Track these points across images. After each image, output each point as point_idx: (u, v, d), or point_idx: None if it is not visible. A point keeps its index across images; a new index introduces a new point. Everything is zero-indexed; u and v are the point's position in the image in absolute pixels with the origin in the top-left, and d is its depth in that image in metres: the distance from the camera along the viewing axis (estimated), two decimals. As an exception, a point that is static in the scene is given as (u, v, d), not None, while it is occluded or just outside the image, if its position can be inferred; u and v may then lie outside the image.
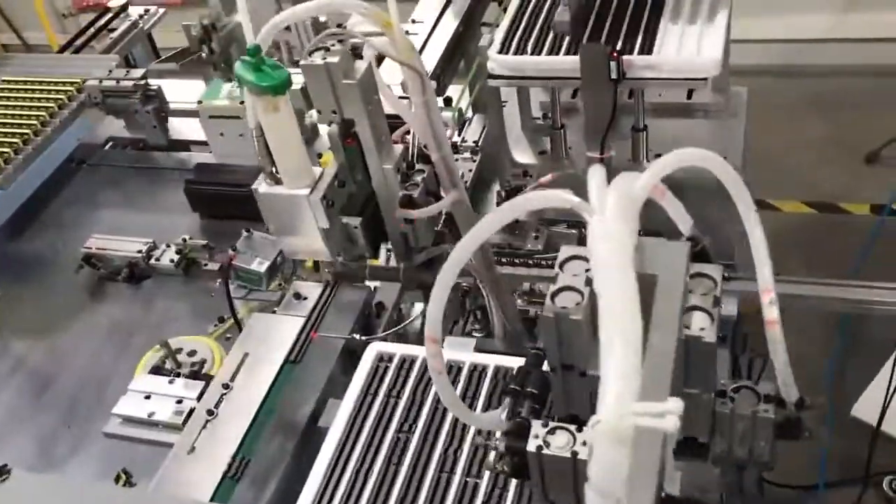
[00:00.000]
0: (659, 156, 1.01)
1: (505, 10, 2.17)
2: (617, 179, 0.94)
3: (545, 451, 1.05)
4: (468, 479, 1.36)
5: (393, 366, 1.54)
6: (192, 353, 1.98)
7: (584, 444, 1.04)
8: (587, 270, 1.07)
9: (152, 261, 2.32)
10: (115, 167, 2.76)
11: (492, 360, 1.50)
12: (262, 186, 1.58)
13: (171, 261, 2.30)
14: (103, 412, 2.00)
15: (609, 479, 0.66)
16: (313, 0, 1.45)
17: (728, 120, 2.40)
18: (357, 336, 1.63)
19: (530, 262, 1.97)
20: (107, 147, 2.85)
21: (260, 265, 1.73)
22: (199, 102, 2.53)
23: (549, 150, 2.29)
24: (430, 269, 1.70)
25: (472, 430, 1.41)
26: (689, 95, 2.40)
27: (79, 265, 2.35)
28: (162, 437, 1.58)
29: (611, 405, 0.67)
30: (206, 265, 2.32)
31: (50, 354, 2.19)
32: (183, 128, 2.79)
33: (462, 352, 1.53)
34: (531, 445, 1.05)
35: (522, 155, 2.29)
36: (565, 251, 1.10)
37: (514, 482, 1.34)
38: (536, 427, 1.07)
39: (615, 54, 1.92)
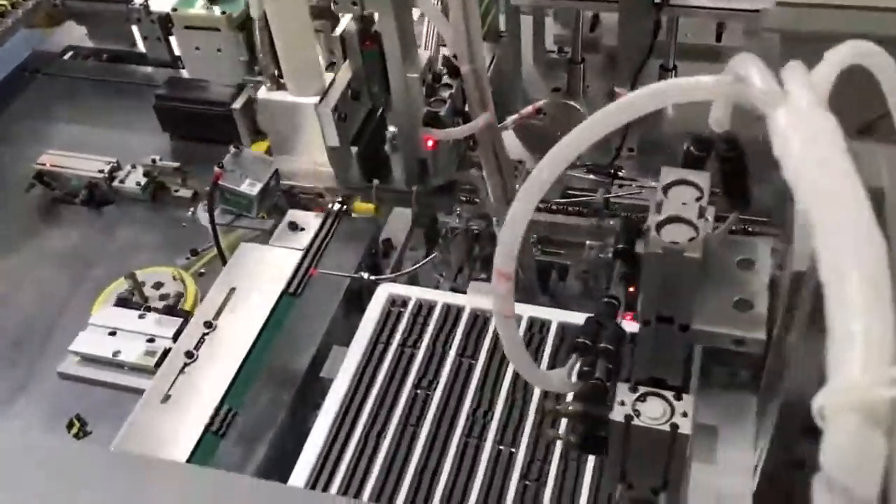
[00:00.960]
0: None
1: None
2: (783, 71, 0.70)
3: (635, 421, 0.83)
4: (501, 447, 1.13)
5: (408, 311, 1.30)
6: (158, 286, 1.72)
7: (685, 415, 0.83)
8: (698, 199, 0.85)
9: (115, 183, 2.04)
10: (75, 78, 2.44)
11: (554, 315, 1.26)
12: (261, 91, 1.32)
13: (138, 184, 2.03)
14: (55, 349, 1.73)
15: (856, 472, 0.44)
16: None
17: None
18: (365, 275, 1.38)
19: (553, 207, 1.75)
20: (65, 57, 2.54)
21: (251, 187, 1.47)
22: (174, 10, 2.23)
23: (566, 86, 2.07)
24: (449, 194, 1.46)
25: (503, 391, 1.19)
26: (719, 38, 2.20)
27: (30, 183, 2.05)
28: (128, 380, 1.33)
29: (858, 370, 0.45)
30: (176, 191, 2.04)
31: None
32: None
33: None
34: (617, 414, 0.83)
35: (534, 90, 2.06)
36: (667, 174, 0.87)
37: (556, 453, 1.12)
38: (623, 392, 0.85)
39: (657, -24, 1.69)
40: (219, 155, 2.11)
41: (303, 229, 1.44)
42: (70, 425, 1.60)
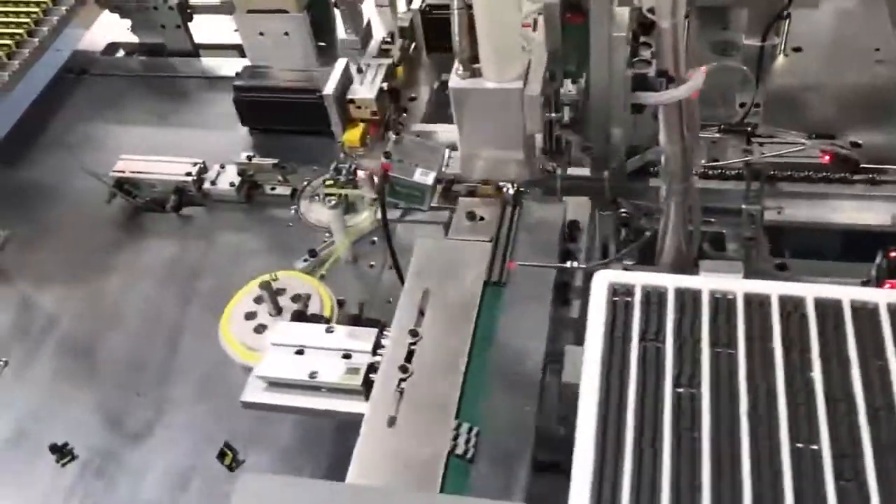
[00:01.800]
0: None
1: None
2: None
3: None
4: (799, 444, 0.99)
5: (636, 300, 1.15)
6: (280, 293, 1.55)
7: None
8: None
9: (206, 185, 1.85)
10: (127, 77, 2.23)
11: (808, 290, 1.11)
12: (453, 79, 1.15)
13: (231, 185, 1.84)
14: (181, 373, 1.57)
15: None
16: None
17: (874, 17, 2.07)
18: (573, 264, 1.23)
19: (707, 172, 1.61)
20: (111, 55, 2.32)
21: (424, 176, 1.29)
22: (234, -7, 2.03)
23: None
24: (641, 179, 1.31)
25: (779, 380, 1.05)
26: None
27: (110, 193, 1.86)
28: (327, 403, 1.15)
29: None
30: (273, 189, 1.87)
31: (89, 309, 1.71)
32: (202, 29, 2.29)
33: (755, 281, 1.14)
34: None
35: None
36: None
37: (867, 444, 0.98)
38: None
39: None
40: (306, 146, 1.96)
41: (482, 219, 1.28)
42: (222, 455, 1.44)
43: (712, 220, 1.65)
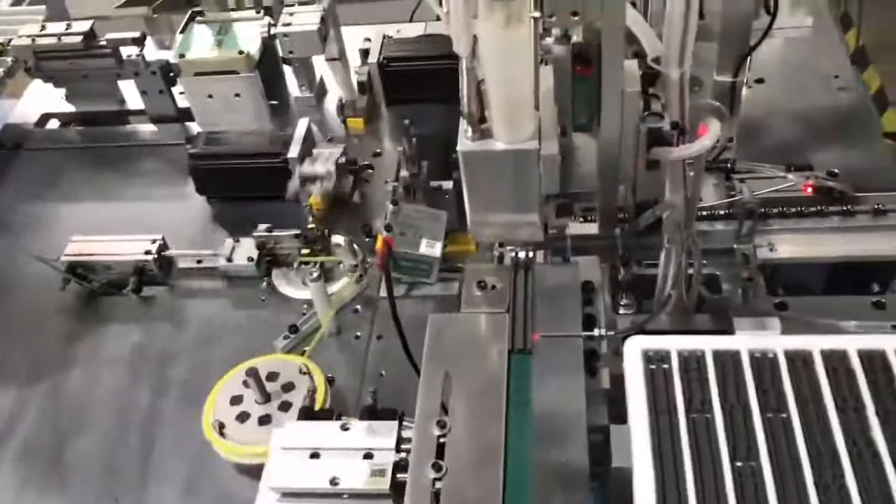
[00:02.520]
0: None
1: None
2: None
3: None
4: (875, 513, 0.92)
5: (674, 367, 1.07)
6: (272, 378, 1.43)
7: None
8: None
9: (221, 262, 1.70)
10: (67, 149, 2.07)
11: (849, 343, 1.05)
12: (462, 143, 1.05)
13: (250, 259, 1.69)
14: (162, 473, 1.42)
15: None
16: None
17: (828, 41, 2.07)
18: (601, 331, 1.14)
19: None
20: (46, 126, 2.16)
21: (431, 247, 1.19)
22: (181, 56, 1.91)
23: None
24: (653, 234, 1.24)
25: (840, 444, 0.98)
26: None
27: (63, 279, 1.69)
28: (346, 512, 1.04)
29: None
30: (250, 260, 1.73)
31: (52, 408, 1.54)
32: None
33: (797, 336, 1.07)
34: None
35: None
36: None
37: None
38: None
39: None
40: (270, 212, 1.83)
41: (493, 287, 1.18)
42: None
43: (704, 261, 1.59)
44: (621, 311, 1.55)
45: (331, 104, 2.06)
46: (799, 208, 1.58)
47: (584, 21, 1.04)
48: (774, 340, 1.08)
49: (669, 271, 1.39)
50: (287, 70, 2.14)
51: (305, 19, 1.93)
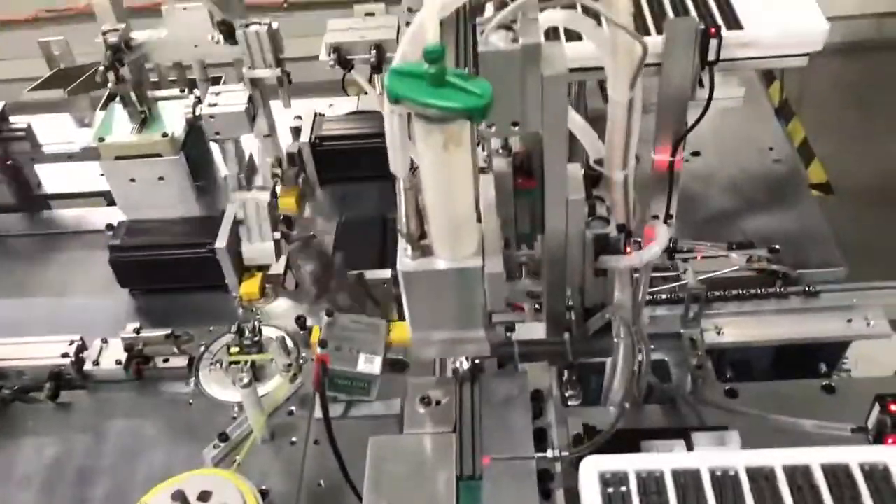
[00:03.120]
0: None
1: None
2: None
3: None
4: None
5: (633, 489, 1.00)
6: (205, 497, 1.31)
7: None
8: None
9: (88, 366, 1.58)
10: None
11: (813, 456, 0.99)
12: (402, 262, 0.98)
13: (118, 362, 1.58)
14: None
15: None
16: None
17: (757, 106, 2.07)
18: (554, 452, 1.06)
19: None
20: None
21: (370, 364, 1.10)
22: (101, 140, 1.80)
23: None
24: (603, 337, 1.18)
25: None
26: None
27: (-27, 388, 1.56)
28: None
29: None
30: (166, 361, 1.62)
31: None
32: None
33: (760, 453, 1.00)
34: None
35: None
36: None
37: None
38: None
39: (713, 31, 1.49)
40: (198, 304, 1.73)
41: (438, 403, 1.10)
42: None
43: (652, 346, 1.54)
44: (570, 403, 1.49)
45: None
46: (744, 291, 1.54)
47: (525, 130, 0.98)
48: (735, 457, 1.02)
49: (618, 368, 1.34)
50: (215, 148, 2.04)
51: (232, 99, 1.84)
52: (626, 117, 1.01)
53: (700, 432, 1.11)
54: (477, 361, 1.15)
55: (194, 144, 1.93)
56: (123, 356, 1.58)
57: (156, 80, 2.13)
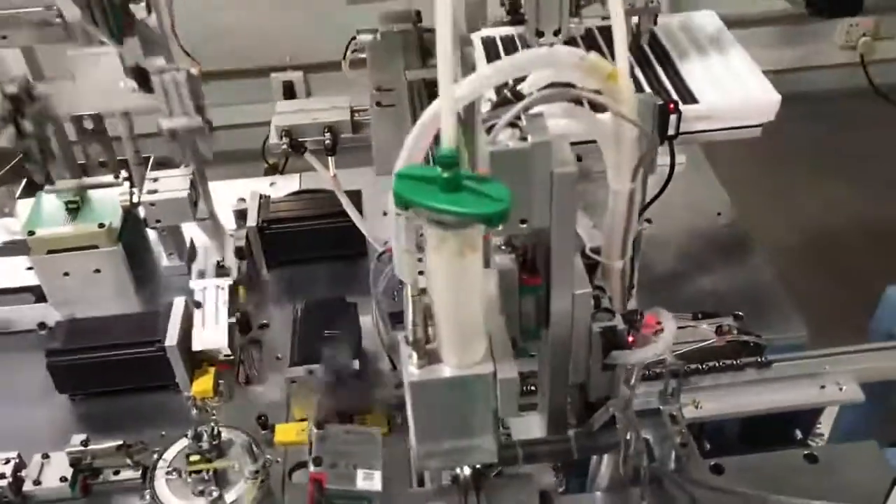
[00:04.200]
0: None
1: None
2: None
3: None
4: None
5: None
6: None
7: None
8: None
9: (28, 486, 1.44)
10: None
11: None
12: (410, 372, 0.91)
13: (63, 479, 1.44)
14: None
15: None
16: (526, 53, 0.85)
17: (701, 172, 2.09)
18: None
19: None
20: None
21: (369, 480, 1.02)
22: (31, 234, 1.68)
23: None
24: (607, 431, 1.13)
25: None
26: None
27: None
28: None
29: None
30: (117, 473, 1.48)
31: None
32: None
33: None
34: None
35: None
36: None
37: None
38: None
39: (672, 106, 1.50)
40: (146, 407, 1.61)
41: (441, 516, 1.03)
42: None
43: (634, 427, 1.50)
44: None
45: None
46: (719, 362, 1.52)
47: (532, 227, 0.93)
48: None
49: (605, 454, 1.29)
50: (151, 235, 1.93)
51: (173, 185, 1.74)
52: (628, 207, 0.98)
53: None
54: (478, 466, 1.08)
55: (131, 233, 1.82)
56: (69, 472, 1.44)
57: (83, 162, 2.02)
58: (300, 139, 1.61)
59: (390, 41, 1.74)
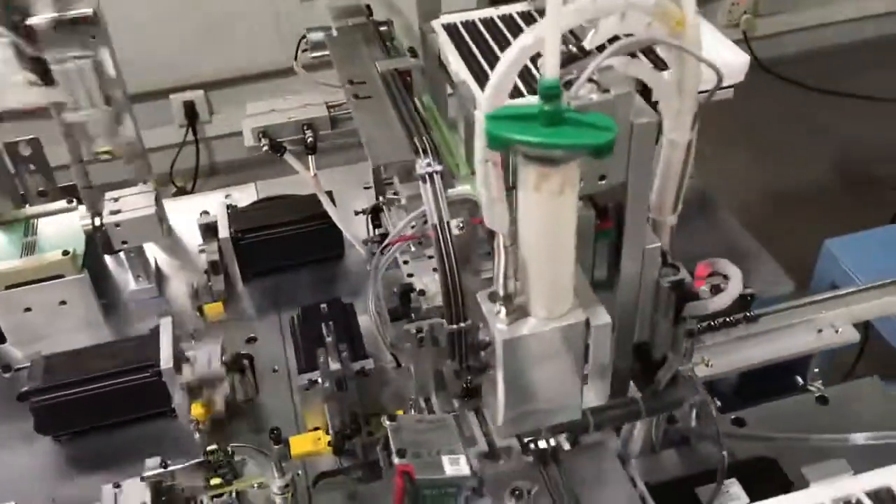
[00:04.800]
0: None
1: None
2: None
3: None
4: None
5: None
6: None
7: None
8: None
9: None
10: None
11: None
12: (500, 330, 0.87)
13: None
14: None
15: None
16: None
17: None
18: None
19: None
20: None
21: (455, 465, 0.97)
22: (-18, 271, 1.55)
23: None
24: (672, 388, 1.12)
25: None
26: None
27: None
28: None
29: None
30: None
31: None
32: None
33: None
34: None
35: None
36: None
37: None
38: None
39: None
40: (142, 439, 1.50)
41: (529, 492, 0.99)
42: None
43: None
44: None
45: (176, 291, 1.75)
46: (727, 318, 1.55)
47: (610, 184, 0.92)
48: (853, 484, 1.00)
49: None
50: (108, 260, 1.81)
51: (137, 203, 1.64)
52: (685, 158, 0.98)
53: (810, 466, 1.07)
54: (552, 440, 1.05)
55: (91, 257, 1.70)
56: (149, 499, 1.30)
57: (22, 193, 1.87)
58: (278, 139, 1.54)
59: (349, 35, 1.71)
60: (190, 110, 3.65)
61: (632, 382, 1.13)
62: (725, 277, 1.05)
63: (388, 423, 1.02)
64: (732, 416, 1.47)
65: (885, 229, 2.68)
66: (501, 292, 0.87)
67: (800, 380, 1.59)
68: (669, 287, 1.00)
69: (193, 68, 3.50)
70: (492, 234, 0.88)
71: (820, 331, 1.57)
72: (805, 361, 1.67)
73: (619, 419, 1.10)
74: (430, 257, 1.50)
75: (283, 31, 3.31)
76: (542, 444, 1.04)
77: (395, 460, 0.96)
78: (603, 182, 0.91)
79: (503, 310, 0.87)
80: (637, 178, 0.91)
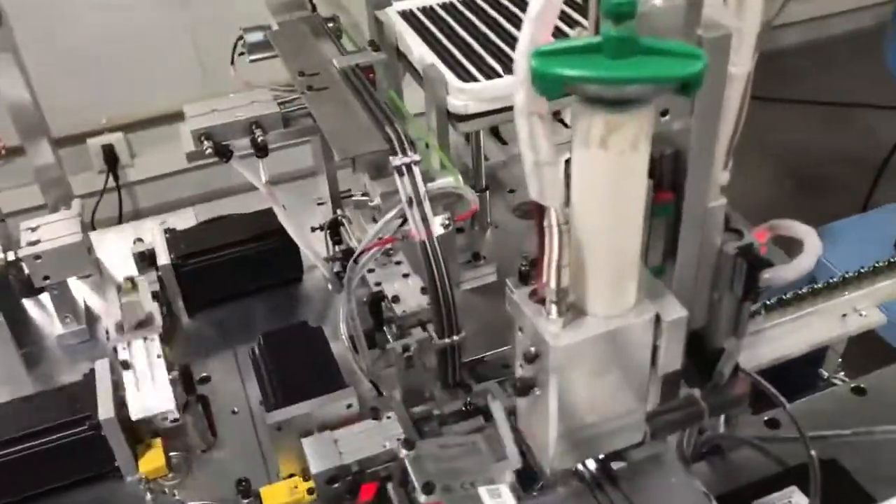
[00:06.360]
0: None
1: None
2: None
3: None
4: None
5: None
6: None
7: None
8: None
9: None
10: None
11: None
12: (551, 332, 0.67)
13: None
14: None
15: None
16: None
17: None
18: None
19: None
20: None
21: (496, 497, 0.75)
22: None
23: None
24: (732, 384, 0.94)
25: None
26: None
27: None
28: None
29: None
30: None
31: None
32: None
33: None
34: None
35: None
36: None
37: None
38: None
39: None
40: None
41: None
42: None
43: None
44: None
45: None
46: (797, 291, 1.37)
47: (672, 123, 0.73)
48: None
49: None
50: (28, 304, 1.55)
51: (59, 230, 1.40)
52: (743, 94, 0.80)
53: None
54: (602, 457, 0.85)
55: (5, 303, 1.44)
56: None
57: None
58: (223, 142, 1.32)
59: (293, 28, 1.53)
60: (109, 154, 3.38)
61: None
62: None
63: (404, 452, 0.80)
64: (766, 418, 1.29)
65: (856, 218, 2.60)
66: (554, 286, 0.67)
67: (824, 373, 1.43)
68: (736, 254, 0.82)
69: (114, 109, 3.25)
70: (540, 210, 0.68)
71: (844, 315, 1.42)
72: (821, 353, 1.52)
73: (678, 424, 0.91)
74: (399, 263, 1.31)
75: (205, 62, 3.12)
76: (590, 463, 0.83)
77: (422, 499, 0.74)
78: (666, 118, 0.72)
79: (554, 309, 0.67)
80: (706, 105, 0.73)
